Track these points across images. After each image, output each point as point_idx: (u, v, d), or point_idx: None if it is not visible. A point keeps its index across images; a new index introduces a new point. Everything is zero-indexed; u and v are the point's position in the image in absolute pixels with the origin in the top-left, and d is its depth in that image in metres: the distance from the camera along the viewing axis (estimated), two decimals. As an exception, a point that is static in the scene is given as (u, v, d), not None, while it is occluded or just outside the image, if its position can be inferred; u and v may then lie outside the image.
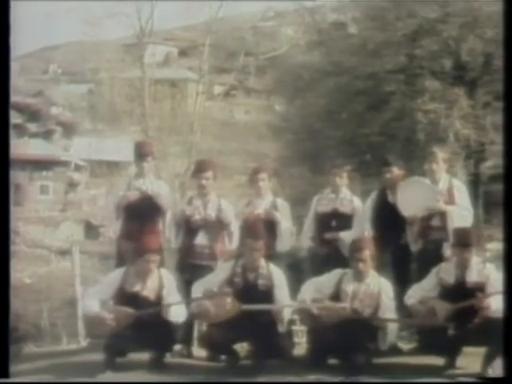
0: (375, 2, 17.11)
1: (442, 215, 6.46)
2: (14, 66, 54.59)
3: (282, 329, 5.94)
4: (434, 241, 6.45)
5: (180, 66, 44.05)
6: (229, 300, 5.84)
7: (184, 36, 46.97)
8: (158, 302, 5.98)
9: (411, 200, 6.46)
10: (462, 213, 6.46)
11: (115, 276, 6.12)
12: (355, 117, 16.06)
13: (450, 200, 6.51)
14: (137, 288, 6.00)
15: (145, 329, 5.80)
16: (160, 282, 6.05)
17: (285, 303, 5.99)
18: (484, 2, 15.21)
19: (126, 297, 5.95)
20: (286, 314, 5.96)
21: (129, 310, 5.87)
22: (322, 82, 17.35)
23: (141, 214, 6.57)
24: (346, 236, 6.62)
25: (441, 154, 6.67)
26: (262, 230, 6.15)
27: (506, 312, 5.32)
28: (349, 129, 16.00)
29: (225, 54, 36.61)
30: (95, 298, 5.98)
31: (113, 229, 6.93)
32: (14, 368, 6.46)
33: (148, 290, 6.01)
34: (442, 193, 6.51)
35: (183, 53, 48.17)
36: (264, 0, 44.90)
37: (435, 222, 6.49)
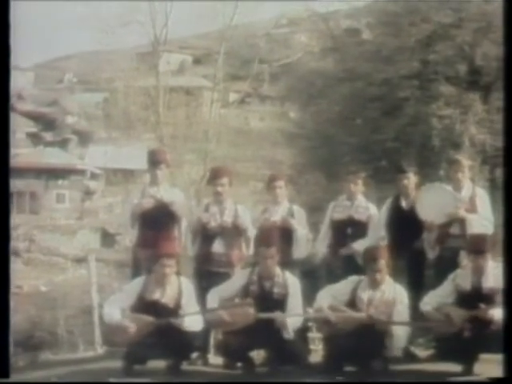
0: (389, 8, 17.09)
1: (462, 223, 6.43)
2: (29, 76, 54.98)
3: (288, 336, 5.92)
4: (452, 248, 6.41)
5: (195, 73, 44.18)
6: (248, 310, 5.86)
7: (198, 44, 47.12)
8: (176, 309, 5.99)
9: (431, 205, 6.43)
10: (482, 222, 6.41)
11: (136, 284, 6.15)
12: (370, 123, 16.02)
13: (472, 208, 6.47)
14: (157, 296, 6.02)
15: (163, 337, 5.82)
16: (179, 289, 6.06)
17: (295, 312, 5.99)
18: (498, 7, 15.15)
19: (145, 305, 5.98)
20: (292, 322, 5.95)
21: (148, 319, 5.89)
22: (335, 88, 17.33)
23: (156, 222, 6.58)
24: (360, 247, 6.59)
25: (466, 161, 6.66)
26: (274, 237, 6.16)
27: (506, 313, 5.31)
28: (363, 135, 15.95)
29: (239, 62, 36.69)
30: (116, 306, 6.00)
31: (128, 237, 6.95)
32: (30, 375, 6.52)
33: (167, 298, 6.03)
34: (463, 200, 6.47)
35: (198, 61, 48.31)
36: (276, 0, 44.78)
37: (454, 230, 6.47)
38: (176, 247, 6.40)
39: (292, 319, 5.95)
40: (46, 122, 48.83)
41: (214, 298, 6.06)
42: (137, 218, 6.67)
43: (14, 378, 6.23)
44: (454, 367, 5.82)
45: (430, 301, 5.93)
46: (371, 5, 19.95)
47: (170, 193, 6.77)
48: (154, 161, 6.76)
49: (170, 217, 6.66)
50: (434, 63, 15.38)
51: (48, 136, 48.02)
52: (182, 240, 6.73)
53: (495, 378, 5.38)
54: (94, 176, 42.33)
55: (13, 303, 9.12)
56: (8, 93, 5.36)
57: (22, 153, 43.65)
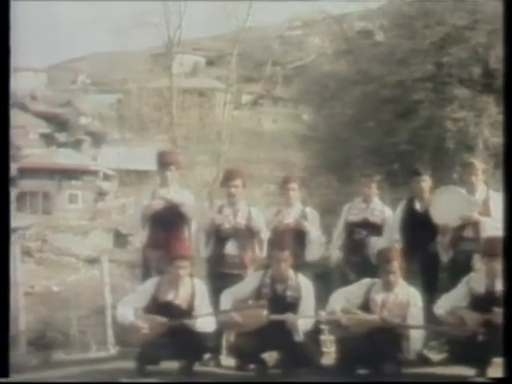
0: (403, 10, 17.07)
1: (475, 226, 6.41)
2: (42, 77, 55.24)
3: (298, 338, 5.93)
4: (465, 251, 6.39)
5: (208, 75, 44.28)
6: (262, 312, 5.86)
7: (212, 46, 47.24)
8: (189, 311, 6.01)
9: (445, 208, 6.42)
10: (495, 225, 6.36)
11: (149, 285, 6.15)
12: (383, 125, 16.00)
13: (486, 211, 6.44)
14: (170, 297, 6.03)
15: (176, 338, 5.84)
16: (192, 290, 6.07)
17: (306, 314, 6.00)
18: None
19: (159, 306, 5.99)
20: (303, 325, 5.95)
21: (161, 319, 5.91)
22: (349, 90, 17.33)
23: (166, 223, 6.58)
24: (375, 241, 6.59)
25: (480, 164, 6.63)
26: (287, 240, 6.17)
27: (506, 312, 5.29)
28: (376, 138, 15.94)
29: (252, 64, 36.78)
30: (130, 307, 6.02)
31: (139, 238, 6.97)
32: (43, 374, 6.55)
33: (181, 299, 6.03)
34: (477, 203, 6.44)
35: (211, 62, 48.43)
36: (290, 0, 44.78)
37: (468, 233, 6.44)
38: (188, 248, 6.40)
39: (303, 321, 5.95)
40: (60, 123, 49.06)
41: (226, 299, 6.07)
42: (147, 219, 6.67)
43: (26, 376, 6.29)
44: (467, 371, 5.79)
45: (444, 304, 5.90)
46: (385, 7, 19.94)
47: (180, 194, 6.76)
48: (163, 162, 6.76)
49: (180, 218, 6.65)
50: (448, 66, 15.34)
51: (61, 137, 48.24)
52: (192, 241, 6.73)
53: (495, 378, 5.36)
54: (106, 177, 42.46)
55: (25, 303, 9.17)
56: (8, 93, 5.39)
57: (35, 153, 43.89)
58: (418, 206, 6.75)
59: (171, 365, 6.02)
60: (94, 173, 42.68)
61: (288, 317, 5.91)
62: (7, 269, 5.25)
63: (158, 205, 6.63)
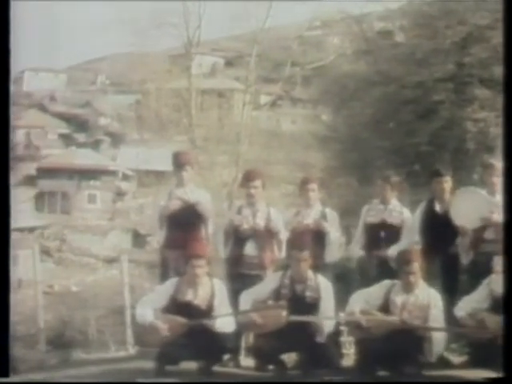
0: (423, 10, 17.00)
1: (496, 228, 6.35)
2: (62, 78, 55.45)
3: (321, 340, 5.91)
4: (486, 253, 6.33)
5: (226, 76, 44.32)
6: (281, 313, 5.84)
7: (231, 46, 47.26)
8: (209, 311, 6.01)
9: (466, 210, 6.37)
10: None
11: (168, 285, 6.16)
12: (403, 126, 15.94)
13: None
14: (189, 297, 6.04)
15: (195, 338, 5.84)
16: (212, 291, 6.08)
17: (327, 315, 5.97)
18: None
19: (178, 306, 5.99)
20: (326, 326, 5.93)
21: (181, 320, 5.90)
22: (369, 91, 17.28)
23: (183, 223, 6.59)
24: (394, 252, 6.54)
25: (500, 165, 6.57)
26: (307, 240, 6.15)
27: (505, 312, 5.25)
28: (397, 138, 15.88)
29: (271, 64, 36.79)
30: (149, 307, 6.03)
31: (157, 238, 6.98)
32: (62, 373, 6.57)
33: (200, 299, 6.04)
34: (497, 205, 6.39)
35: (230, 63, 48.48)
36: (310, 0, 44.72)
37: (488, 235, 6.39)
38: (205, 247, 6.40)
39: (325, 323, 5.92)
40: (79, 124, 49.31)
41: (246, 300, 6.06)
42: (164, 220, 6.69)
43: (44, 375, 6.32)
44: (488, 374, 5.74)
45: (465, 306, 5.86)
46: (405, 7, 19.86)
47: (196, 194, 6.77)
48: (179, 163, 6.77)
49: (196, 217, 6.67)
50: (469, 66, 15.25)
51: (80, 137, 48.49)
52: (210, 240, 6.73)
53: (495, 378, 5.32)
54: (125, 177, 42.61)
55: (44, 302, 9.24)
56: (8, 93, 5.41)
57: (54, 153, 44.14)
58: (438, 207, 6.70)
59: (190, 365, 6.02)
60: (113, 173, 42.83)
61: (307, 318, 5.89)
62: (7, 269, 5.26)
63: (175, 205, 6.65)
